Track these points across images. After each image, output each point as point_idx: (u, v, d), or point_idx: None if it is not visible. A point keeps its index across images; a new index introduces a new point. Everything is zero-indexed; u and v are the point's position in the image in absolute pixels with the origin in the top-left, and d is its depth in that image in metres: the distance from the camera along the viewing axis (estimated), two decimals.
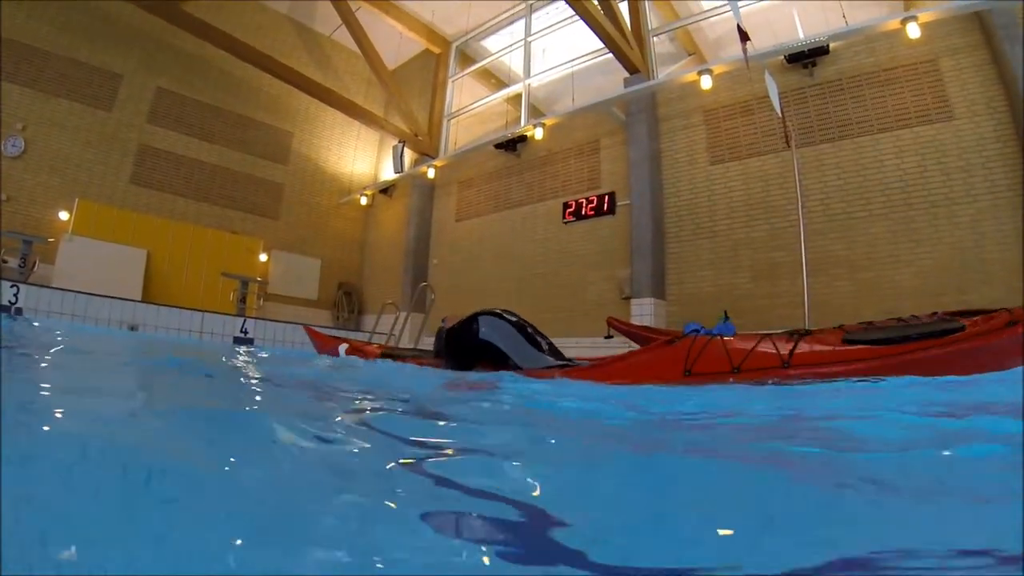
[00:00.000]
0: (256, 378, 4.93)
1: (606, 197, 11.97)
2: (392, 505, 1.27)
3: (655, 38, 12.41)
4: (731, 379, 4.22)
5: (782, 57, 10.09)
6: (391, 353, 7.31)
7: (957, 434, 2.15)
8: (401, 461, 1.71)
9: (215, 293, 12.81)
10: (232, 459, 1.42)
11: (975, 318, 4.23)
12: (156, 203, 13.88)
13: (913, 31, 8.86)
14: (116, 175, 13.40)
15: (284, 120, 16.62)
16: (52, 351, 5.08)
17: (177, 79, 14.53)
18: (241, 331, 10.48)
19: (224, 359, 6.68)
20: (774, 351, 4.22)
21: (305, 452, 1.68)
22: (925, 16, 8.84)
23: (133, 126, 13.76)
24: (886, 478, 1.57)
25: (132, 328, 9.55)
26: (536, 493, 1.43)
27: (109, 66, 13.43)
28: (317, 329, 9.67)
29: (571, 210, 12.40)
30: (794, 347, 4.17)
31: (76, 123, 12.88)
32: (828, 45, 9.83)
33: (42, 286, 9.48)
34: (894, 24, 9.05)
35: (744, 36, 8.50)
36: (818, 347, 4.21)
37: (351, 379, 5.38)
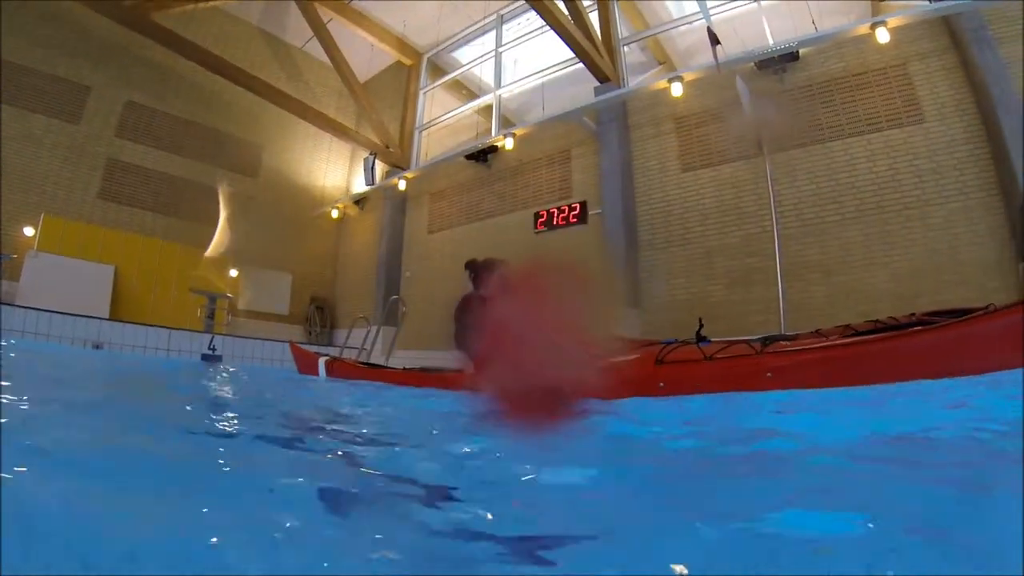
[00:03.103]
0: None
1: (577, 206, 11.79)
2: None
3: (625, 47, 12.28)
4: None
5: (752, 64, 9.99)
6: (369, 364, 7.08)
7: None
8: None
9: (185, 310, 12.40)
10: None
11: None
12: (125, 218, 13.44)
13: (883, 36, 8.81)
14: (84, 190, 12.93)
15: (255, 133, 16.23)
16: None
17: (146, 91, 14.12)
18: (209, 348, 10.11)
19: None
20: (746, 345, 4.17)
21: None
22: (894, 21, 8.82)
23: (101, 139, 13.31)
24: None
25: (97, 346, 9.18)
26: None
27: (77, 78, 13.00)
28: (301, 346, 9.38)
29: (543, 220, 12.20)
30: (767, 341, 4.16)
31: (42, 136, 12.41)
32: (798, 51, 9.76)
33: (4, 304, 9.10)
34: (864, 29, 8.98)
35: (714, 39, 8.40)
36: (792, 342, 4.22)
37: None
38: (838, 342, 3.89)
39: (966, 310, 4.33)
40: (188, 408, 3.41)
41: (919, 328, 3.66)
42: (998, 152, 8.14)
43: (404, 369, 6.32)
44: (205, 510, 1.15)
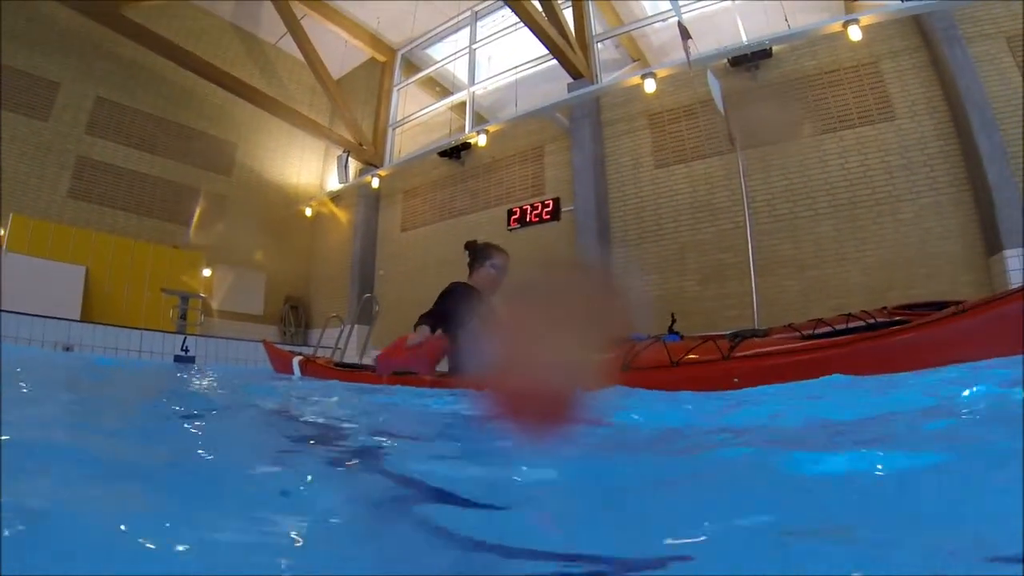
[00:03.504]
0: None
1: (550, 203, 11.72)
2: None
3: (599, 44, 12.22)
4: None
5: (725, 60, 10.03)
6: (342, 365, 6.95)
7: None
8: None
9: (157, 311, 12.18)
10: None
11: (921, 312, 4.12)
12: (96, 218, 13.11)
13: (855, 34, 8.89)
14: (53, 188, 12.59)
15: (228, 130, 15.96)
16: None
17: (117, 88, 13.78)
18: (182, 349, 9.95)
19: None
20: (714, 346, 4.01)
21: None
22: (867, 19, 8.92)
23: (71, 137, 12.97)
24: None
25: (67, 349, 9.00)
26: None
27: (45, 73, 12.66)
28: (276, 345, 9.23)
29: (516, 217, 12.10)
30: (735, 343, 3.99)
31: (10, 133, 12.06)
32: (771, 48, 9.82)
33: None
34: (836, 27, 9.07)
35: (685, 33, 8.39)
36: (759, 342, 4.05)
37: None
38: (807, 344, 3.80)
39: (937, 303, 4.37)
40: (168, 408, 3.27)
41: (889, 329, 3.59)
42: (968, 148, 8.28)
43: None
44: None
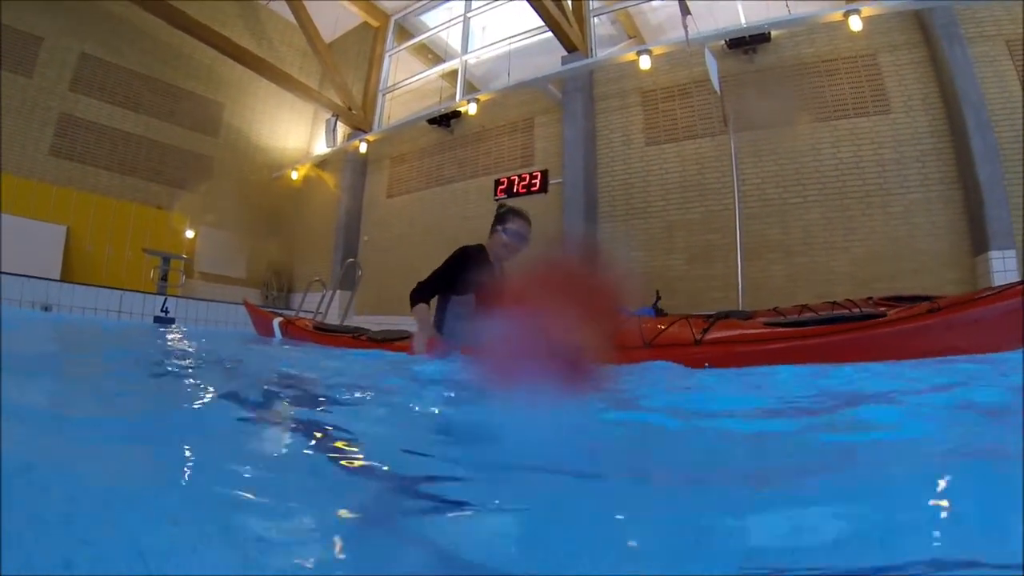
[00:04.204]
0: None
1: (538, 175, 11.58)
2: None
3: (596, 19, 11.99)
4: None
5: (723, 42, 9.90)
6: (323, 327, 6.83)
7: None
8: None
9: (139, 272, 11.94)
10: None
11: (901, 305, 4.17)
12: (78, 176, 12.70)
13: (855, 24, 8.81)
14: (35, 146, 12.16)
15: (215, 91, 15.58)
16: None
17: (103, 44, 13.32)
18: (162, 310, 9.78)
19: None
20: (688, 330, 4.07)
21: None
22: (868, 10, 8.83)
23: (54, 93, 12.52)
24: None
25: (46, 308, 8.81)
26: None
27: (29, 27, 12.16)
28: (257, 306, 9.07)
29: (503, 187, 11.93)
30: (708, 327, 4.04)
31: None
32: (770, 33, 9.70)
33: None
34: (837, 16, 8.96)
35: (685, 9, 8.27)
36: (734, 328, 4.06)
37: None
38: (779, 332, 3.84)
39: (922, 297, 4.39)
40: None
41: (865, 322, 3.67)
42: (961, 147, 8.30)
43: (361, 335, 6.02)
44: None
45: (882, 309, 4.01)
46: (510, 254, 4.60)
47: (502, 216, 4.71)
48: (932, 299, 3.94)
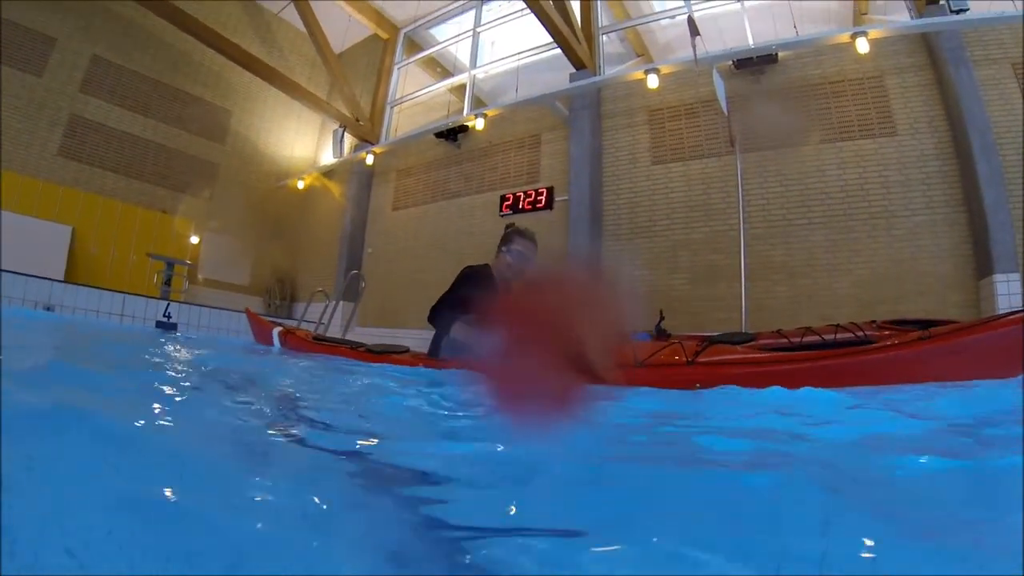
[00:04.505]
0: None
1: (544, 192, 11.56)
2: None
3: (604, 37, 12.04)
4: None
5: (731, 62, 9.90)
6: (321, 339, 6.80)
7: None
8: None
9: (142, 275, 11.89)
10: None
11: (907, 329, 4.15)
12: (85, 178, 12.72)
13: (862, 46, 8.87)
14: (43, 146, 12.19)
15: (224, 97, 15.62)
16: None
17: (114, 47, 13.38)
18: (164, 315, 9.75)
19: None
20: (680, 350, 4.06)
21: None
22: (875, 33, 8.92)
23: (65, 94, 12.57)
24: None
25: (48, 309, 8.80)
26: None
27: (42, 28, 12.24)
28: (258, 314, 9.05)
29: (508, 203, 11.91)
30: (700, 350, 4.02)
31: (3, 87, 11.71)
32: (777, 54, 9.71)
33: None
34: (844, 38, 9.05)
35: (694, 29, 8.27)
36: (726, 353, 4.06)
37: None
38: (768, 356, 3.86)
39: (926, 321, 4.33)
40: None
41: (855, 348, 3.69)
42: (966, 170, 8.29)
43: (359, 347, 5.99)
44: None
45: (872, 334, 4.06)
46: (515, 275, 4.57)
47: (507, 236, 4.71)
48: (935, 323, 3.97)
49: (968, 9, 8.30)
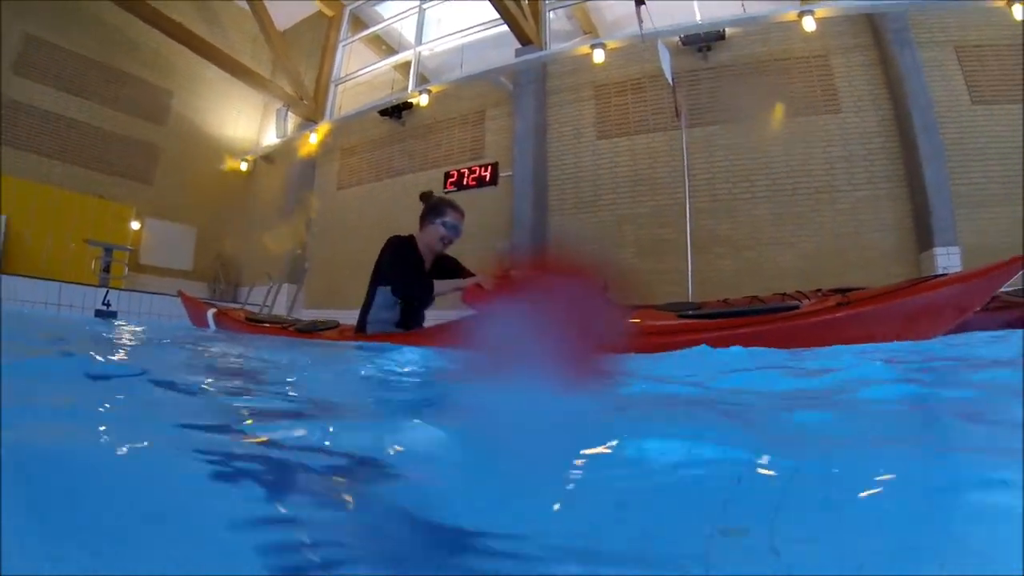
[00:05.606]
0: None
1: (488, 168, 11.41)
2: None
3: (552, 14, 11.87)
4: None
5: (678, 39, 9.90)
6: (254, 318, 6.63)
7: None
8: None
9: (81, 264, 11.32)
10: None
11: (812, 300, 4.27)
12: (19, 164, 11.95)
13: (809, 24, 9.01)
14: None
15: (164, 78, 14.96)
16: None
17: (47, 25, 12.62)
18: (103, 303, 9.44)
19: None
20: None
21: None
22: (822, 11, 9.06)
23: None
24: None
25: None
26: None
27: None
28: (193, 297, 8.77)
29: (453, 180, 11.76)
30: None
31: None
32: (724, 31, 9.78)
33: None
34: (791, 16, 9.14)
35: None
36: (650, 318, 4.13)
37: None
38: (692, 323, 3.91)
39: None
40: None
41: (771, 315, 3.81)
42: (907, 147, 8.56)
43: (289, 326, 5.83)
44: None
45: (796, 302, 4.10)
46: (445, 247, 4.61)
47: (438, 209, 4.64)
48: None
49: None
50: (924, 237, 8.12)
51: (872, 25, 9.23)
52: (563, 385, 1.31)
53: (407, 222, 11.69)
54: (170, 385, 1.87)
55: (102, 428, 1.12)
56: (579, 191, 10.52)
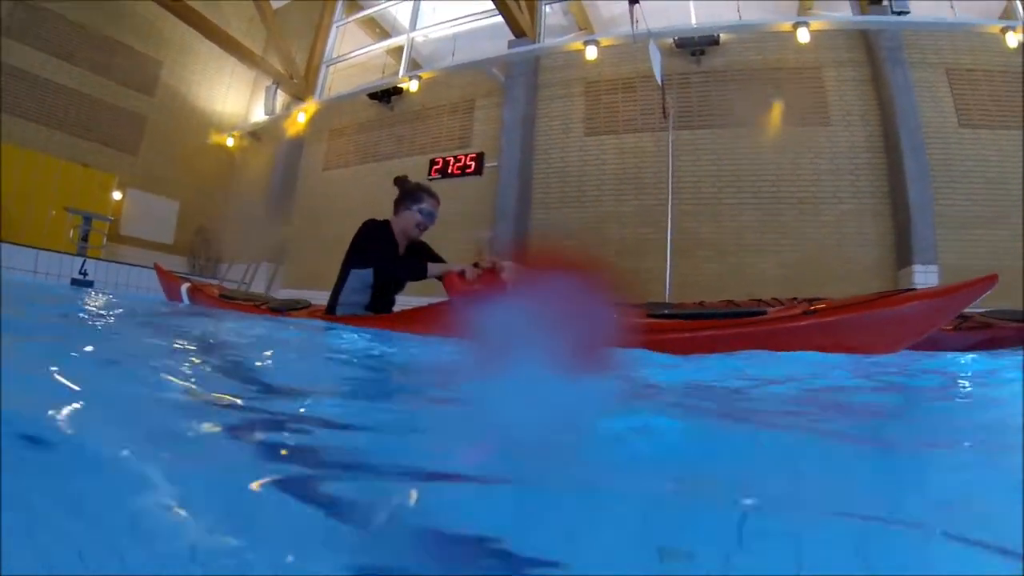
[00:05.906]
0: None
1: (475, 157, 11.38)
2: None
3: (548, 7, 11.81)
4: None
5: (672, 41, 9.93)
6: (227, 295, 6.56)
7: None
8: None
9: (61, 231, 11.08)
10: None
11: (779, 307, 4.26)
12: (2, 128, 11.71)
13: (803, 36, 9.01)
14: None
15: (155, 48, 14.66)
16: None
17: None
18: (80, 272, 9.33)
19: None
20: None
21: None
22: (817, 24, 9.13)
23: None
24: None
25: None
26: None
27: None
28: (168, 271, 8.68)
29: (437, 167, 11.71)
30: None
31: None
32: (719, 36, 9.81)
33: None
34: (786, 26, 9.17)
35: None
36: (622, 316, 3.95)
37: None
38: (658, 324, 3.82)
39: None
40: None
41: (736, 320, 3.75)
42: (894, 165, 8.65)
43: (262, 304, 5.75)
44: None
45: (765, 308, 4.09)
46: (420, 233, 4.54)
47: (414, 195, 4.53)
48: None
49: (909, 12, 8.44)
50: (904, 254, 8.19)
51: (866, 42, 9.29)
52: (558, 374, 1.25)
53: (391, 207, 11.67)
54: (122, 361, 1.83)
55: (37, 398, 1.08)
56: (564, 186, 10.50)
